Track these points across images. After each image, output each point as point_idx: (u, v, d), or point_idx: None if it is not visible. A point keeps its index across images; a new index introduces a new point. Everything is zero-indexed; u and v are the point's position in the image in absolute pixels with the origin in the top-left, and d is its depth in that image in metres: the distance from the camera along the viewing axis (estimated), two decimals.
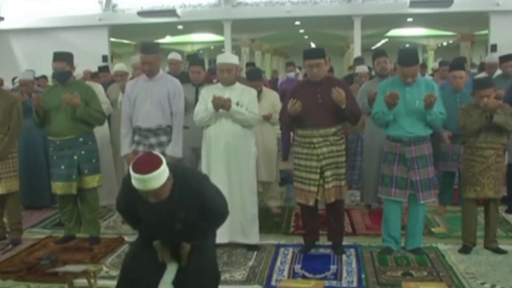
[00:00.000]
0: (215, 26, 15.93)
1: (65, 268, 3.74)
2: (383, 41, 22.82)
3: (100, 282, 3.60)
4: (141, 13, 14.33)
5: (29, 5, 14.43)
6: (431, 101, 4.04)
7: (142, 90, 4.54)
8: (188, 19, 14.88)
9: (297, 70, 11.42)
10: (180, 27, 17.09)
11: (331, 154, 4.26)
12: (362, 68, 6.64)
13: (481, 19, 14.15)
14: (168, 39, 20.57)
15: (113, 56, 17.50)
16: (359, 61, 7.81)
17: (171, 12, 14.34)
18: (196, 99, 4.88)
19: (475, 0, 13.53)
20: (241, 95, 4.46)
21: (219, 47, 20.82)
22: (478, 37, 17.76)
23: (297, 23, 16.59)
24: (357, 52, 14.26)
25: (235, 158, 4.42)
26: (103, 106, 5.57)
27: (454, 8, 13.43)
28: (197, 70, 5.49)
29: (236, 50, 17.86)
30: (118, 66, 6.72)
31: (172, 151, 4.51)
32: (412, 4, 13.61)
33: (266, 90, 5.72)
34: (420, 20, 16.31)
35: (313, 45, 25.25)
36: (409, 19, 16.08)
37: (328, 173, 4.25)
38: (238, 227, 4.47)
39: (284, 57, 28.95)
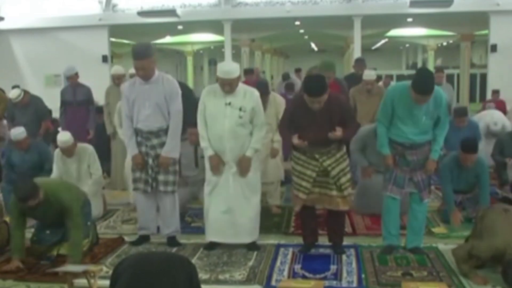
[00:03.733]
0: (215, 26, 15.90)
1: (65, 268, 3.74)
2: (383, 41, 22.81)
3: (100, 282, 3.60)
4: (141, 13, 14.29)
5: (29, 5, 14.41)
6: (431, 169, 4.28)
7: (140, 93, 4.52)
8: (188, 19, 14.84)
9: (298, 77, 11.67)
10: (180, 27, 17.05)
11: (336, 162, 4.28)
12: (369, 75, 6.58)
13: (481, 19, 14.12)
14: (168, 39, 20.56)
15: (113, 56, 17.48)
16: (359, 61, 7.80)
17: (171, 12, 14.31)
18: (196, 157, 5.53)
19: (475, 0, 13.50)
20: (244, 99, 4.37)
21: (219, 47, 20.79)
22: (478, 37, 17.73)
23: (297, 23, 16.55)
24: (357, 52, 14.23)
25: (237, 158, 4.40)
26: (96, 172, 5.51)
27: (454, 8, 13.39)
28: (194, 132, 5.07)
29: (236, 50, 17.83)
30: (115, 69, 6.81)
31: (168, 152, 4.52)
32: (412, 4, 13.58)
33: (272, 96, 5.62)
34: (420, 20, 16.28)
35: (313, 45, 25.29)
36: (409, 19, 16.05)
37: (343, 180, 4.28)
38: (238, 227, 4.47)
39: (284, 57, 28.94)
